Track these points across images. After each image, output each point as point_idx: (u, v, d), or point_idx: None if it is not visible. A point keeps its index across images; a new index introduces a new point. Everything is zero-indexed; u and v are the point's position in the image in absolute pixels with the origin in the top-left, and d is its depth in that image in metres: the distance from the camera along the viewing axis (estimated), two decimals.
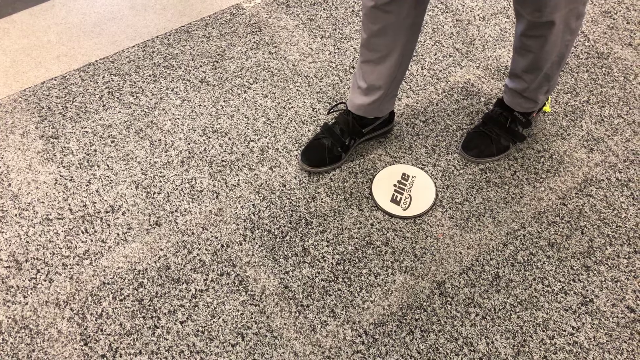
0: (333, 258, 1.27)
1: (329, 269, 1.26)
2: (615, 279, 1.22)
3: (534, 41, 1.14)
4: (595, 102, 1.55)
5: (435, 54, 1.70)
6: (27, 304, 1.22)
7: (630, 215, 1.32)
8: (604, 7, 1.82)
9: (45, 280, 1.25)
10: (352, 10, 1.85)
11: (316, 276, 1.25)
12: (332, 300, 1.21)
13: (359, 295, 1.22)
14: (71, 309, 1.21)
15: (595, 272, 1.23)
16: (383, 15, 1.11)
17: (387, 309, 1.19)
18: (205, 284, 1.24)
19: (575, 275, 1.23)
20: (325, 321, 1.18)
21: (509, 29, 1.76)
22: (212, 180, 1.42)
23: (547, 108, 1.45)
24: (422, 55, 1.70)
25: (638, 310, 1.17)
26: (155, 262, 1.27)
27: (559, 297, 1.20)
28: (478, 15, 1.82)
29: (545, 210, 1.34)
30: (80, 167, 1.46)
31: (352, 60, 1.69)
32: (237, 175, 1.43)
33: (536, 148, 1.46)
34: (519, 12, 1.11)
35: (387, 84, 1.28)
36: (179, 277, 1.25)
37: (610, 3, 1.83)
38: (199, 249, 1.29)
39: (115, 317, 1.19)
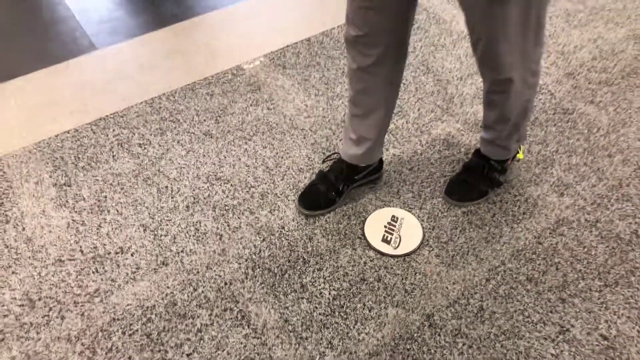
0: (329, 294, 1.37)
1: (326, 304, 1.35)
2: (589, 310, 1.33)
3: (498, 96, 1.29)
4: (564, 152, 1.72)
5: (419, 110, 1.88)
6: (39, 339, 1.28)
7: (600, 252, 1.45)
8: (567, 70, 2.03)
9: (57, 317, 1.32)
10: (342, 72, 2.04)
11: (314, 310, 1.33)
12: (330, 333, 1.29)
13: (354, 327, 1.30)
14: (82, 344, 1.27)
15: (570, 304, 1.34)
16: (366, 76, 1.28)
17: (380, 340, 1.28)
18: (210, 319, 1.32)
19: (552, 307, 1.34)
20: (323, 352, 1.26)
21: None
22: (216, 223, 1.53)
23: (520, 155, 1.61)
24: (406, 111, 1.87)
25: (611, 338, 1.27)
26: (162, 299, 1.35)
27: (539, 327, 1.30)
28: (456, 75, 2.02)
29: (523, 249, 1.46)
30: (92, 212, 1.56)
31: (343, 115, 1.86)
32: (239, 218, 1.54)
33: (512, 193, 1.60)
34: (482, 72, 1.26)
35: (375, 135, 1.43)
36: (185, 313, 1.33)
37: (572, 66, 2.05)
38: (203, 287, 1.38)
39: (124, 351, 1.26)
